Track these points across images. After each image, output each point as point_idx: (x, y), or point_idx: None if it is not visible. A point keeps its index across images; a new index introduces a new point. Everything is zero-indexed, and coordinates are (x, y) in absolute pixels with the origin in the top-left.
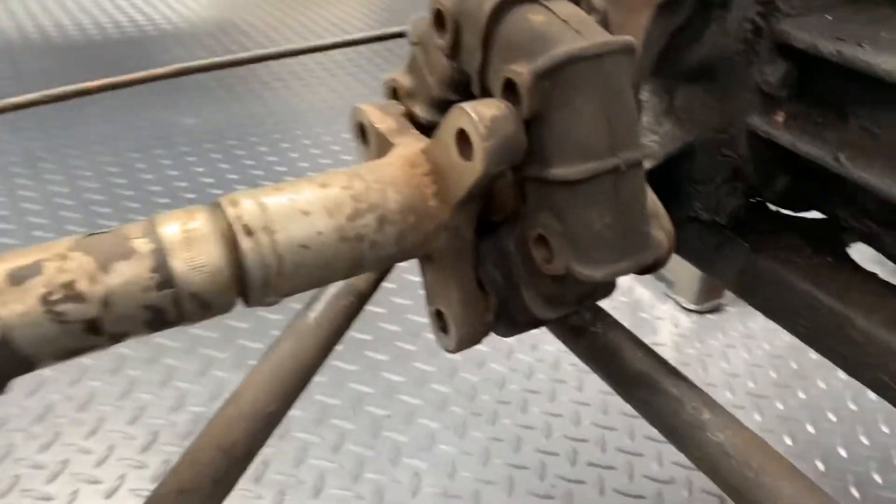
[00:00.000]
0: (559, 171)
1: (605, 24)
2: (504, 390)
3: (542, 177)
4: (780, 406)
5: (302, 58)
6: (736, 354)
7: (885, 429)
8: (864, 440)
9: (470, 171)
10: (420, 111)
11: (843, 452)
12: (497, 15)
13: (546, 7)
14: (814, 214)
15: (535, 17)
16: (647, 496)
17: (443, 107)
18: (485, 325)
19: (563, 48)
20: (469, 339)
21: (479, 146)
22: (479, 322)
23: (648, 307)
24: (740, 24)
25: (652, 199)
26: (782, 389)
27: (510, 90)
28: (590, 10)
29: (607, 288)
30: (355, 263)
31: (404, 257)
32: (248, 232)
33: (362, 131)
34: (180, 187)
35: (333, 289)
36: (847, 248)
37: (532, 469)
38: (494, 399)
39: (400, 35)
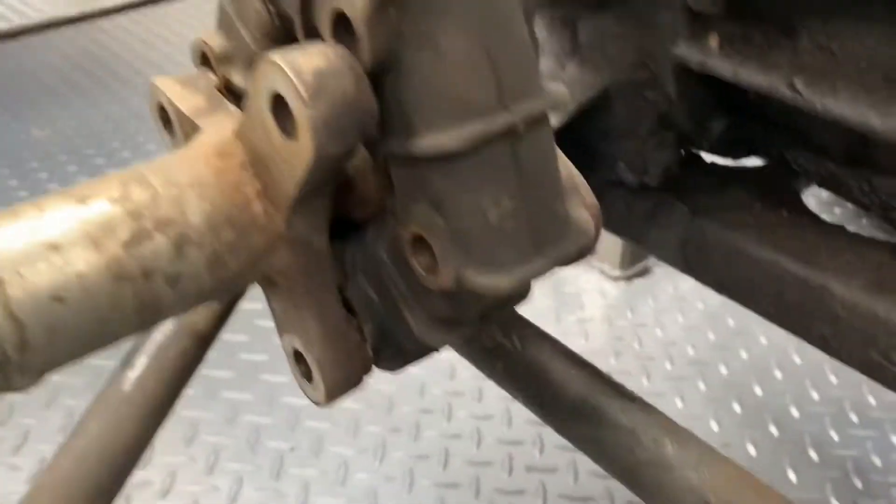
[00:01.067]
0: (428, 142)
1: None
2: (425, 397)
3: (407, 152)
4: (723, 370)
5: (164, 47)
6: (671, 319)
7: (833, 379)
8: (814, 395)
9: (298, 154)
10: (239, 79)
11: (794, 412)
12: None
13: None
14: (754, 161)
15: None
16: (595, 497)
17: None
18: (362, 361)
19: None
20: (342, 385)
21: (302, 116)
22: (354, 359)
23: (572, 280)
24: None
25: (566, 166)
26: (723, 352)
27: (343, 28)
28: None
29: (520, 293)
30: (149, 309)
31: (228, 288)
32: None
33: (164, 115)
34: None
35: (159, 335)
36: (801, 196)
37: (465, 486)
38: (416, 409)
39: None
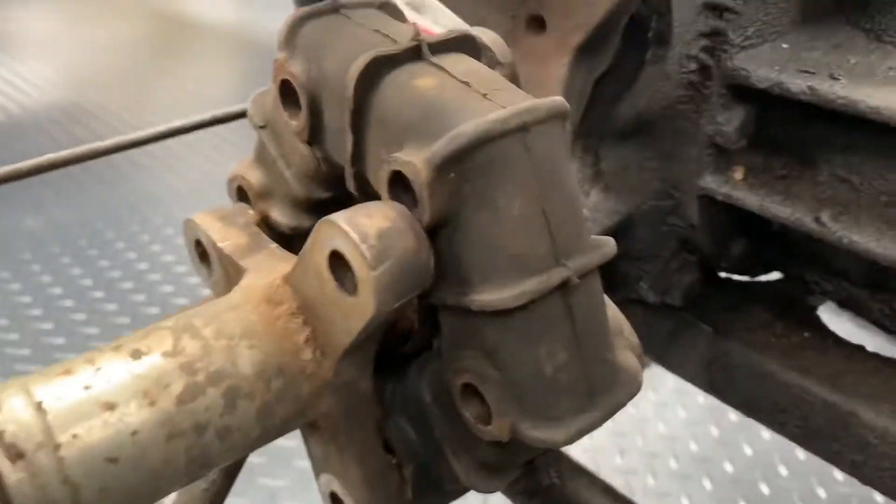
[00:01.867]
0: (486, 298)
1: (514, 79)
2: None
3: (463, 305)
4: (728, 468)
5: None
6: (672, 414)
7: (839, 476)
8: (821, 492)
9: (357, 310)
10: (279, 215)
11: None
12: (368, 82)
13: (435, 65)
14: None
15: (422, 81)
16: None
17: (310, 207)
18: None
19: (471, 124)
20: None
21: (365, 277)
22: (393, 502)
23: None
24: (683, 65)
25: (612, 311)
26: (727, 447)
27: (401, 187)
28: (492, 63)
29: None
30: (198, 464)
31: (274, 436)
32: (17, 454)
33: (202, 251)
34: (22, 304)
35: None
36: (818, 314)
37: None
38: None
39: (241, 115)
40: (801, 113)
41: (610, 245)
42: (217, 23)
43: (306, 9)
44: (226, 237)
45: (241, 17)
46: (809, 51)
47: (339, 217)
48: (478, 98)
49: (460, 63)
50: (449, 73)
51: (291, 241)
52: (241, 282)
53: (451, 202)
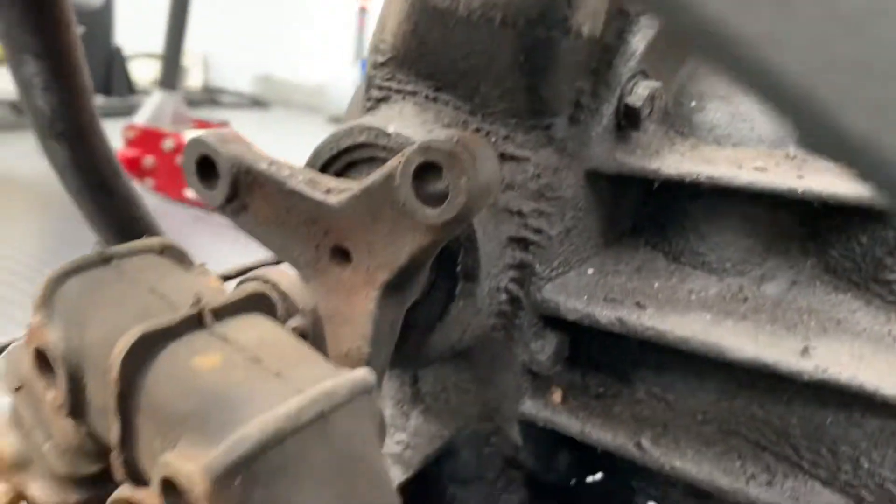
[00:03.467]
0: None
1: (316, 325)
2: None
3: None
4: None
5: None
6: None
7: None
8: None
9: None
10: (38, 491)
11: None
12: (136, 362)
13: (221, 338)
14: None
15: (202, 360)
16: None
17: (76, 483)
18: None
19: (257, 424)
20: None
21: None
22: None
23: None
24: (493, 296)
25: None
26: None
27: (174, 491)
28: (292, 311)
29: None
30: None
31: None
32: None
33: None
34: None
35: None
36: None
37: None
38: None
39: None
40: (613, 337)
41: (405, 457)
42: (17, 174)
43: (68, 263)
44: None
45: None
46: (615, 275)
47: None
48: (268, 380)
49: (251, 329)
50: (235, 347)
51: None
52: None
53: None
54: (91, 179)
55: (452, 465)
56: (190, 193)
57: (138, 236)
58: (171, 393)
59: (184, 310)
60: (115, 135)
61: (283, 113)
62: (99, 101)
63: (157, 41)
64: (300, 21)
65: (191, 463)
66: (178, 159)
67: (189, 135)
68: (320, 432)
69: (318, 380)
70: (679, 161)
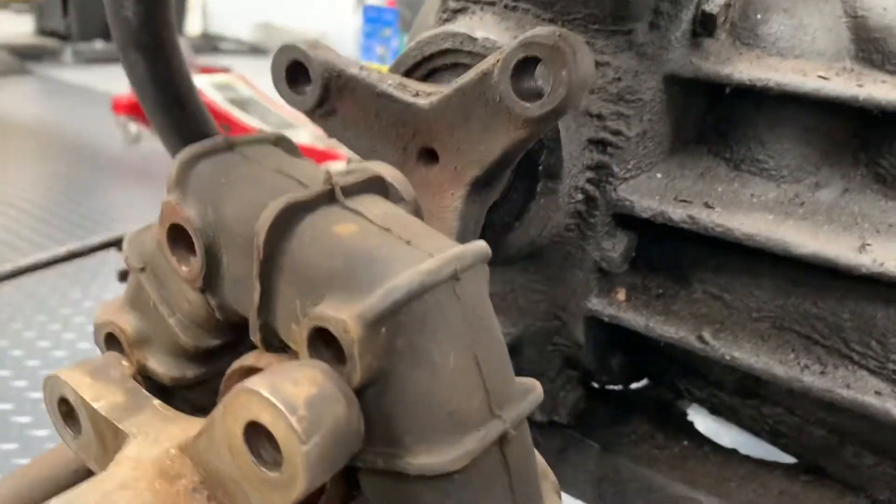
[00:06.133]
0: (424, 461)
1: (418, 216)
2: None
3: (396, 469)
4: None
5: None
6: None
7: None
8: None
9: (281, 486)
10: (158, 365)
11: None
12: (281, 230)
13: (352, 210)
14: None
15: (341, 228)
16: None
17: (196, 356)
18: None
19: (405, 276)
20: None
21: (295, 453)
22: None
23: None
24: (571, 195)
25: (536, 453)
26: None
27: (322, 343)
28: (396, 200)
29: None
30: None
31: None
32: None
33: (67, 410)
34: None
35: None
36: (689, 419)
37: None
38: None
39: (112, 244)
40: (676, 237)
41: (537, 390)
42: (21, 118)
43: (196, 146)
44: (99, 395)
45: (45, 112)
46: (681, 179)
47: (261, 385)
48: (402, 245)
49: (375, 206)
50: (368, 219)
51: (173, 393)
52: (125, 450)
53: (383, 359)
54: (167, 93)
55: (516, 363)
56: None
57: None
58: (316, 255)
59: (316, 187)
60: (122, 79)
61: None
62: (103, 46)
63: None
64: None
65: (343, 312)
66: None
67: (195, 80)
68: (452, 289)
69: (445, 247)
70: (748, 68)
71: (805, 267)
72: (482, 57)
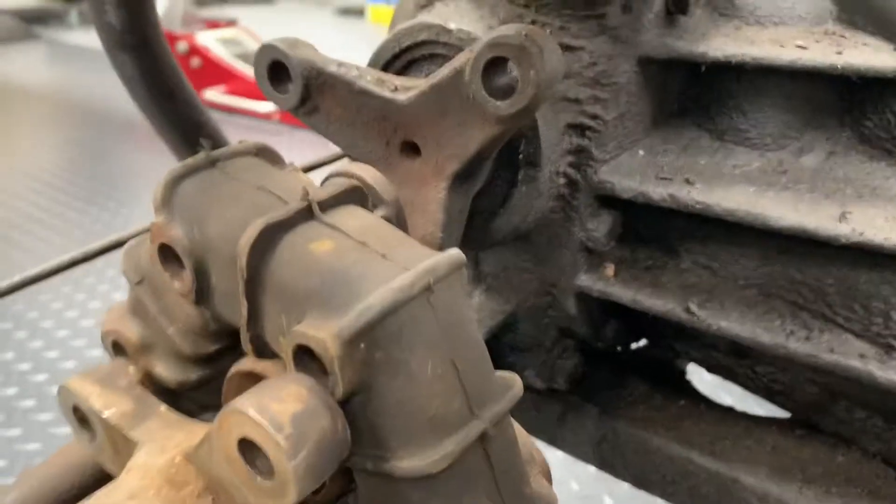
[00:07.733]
0: (408, 464)
1: (399, 216)
2: None
3: (383, 472)
4: None
5: None
6: (565, 488)
7: None
8: None
9: (273, 494)
10: (163, 370)
11: None
12: (261, 250)
13: (330, 226)
14: None
15: (318, 245)
16: None
17: (198, 360)
18: None
19: (378, 295)
20: None
21: (283, 469)
22: None
23: None
24: (553, 180)
25: (521, 438)
26: None
27: (307, 357)
28: (377, 202)
29: None
30: None
31: None
32: None
33: (81, 416)
34: None
35: None
36: (687, 378)
37: None
38: None
39: (118, 246)
40: (661, 213)
41: (517, 386)
42: (31, 85)
43: (179, 167)
44: (109, 404)
45: (55, 76)
46: (664, 155)
47: (247, 404)
48: (377, 260)
49: (352, 218)
50: (344, 233)
51: (179, 396)
52: (135, 458)
53: (363, 372)
54: (158, 88)
55: (513, 336)
56: (206, 96)
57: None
58: (295, 275)
59: (294, 203)
60: None
61: (289, 7)
62: None
63: None
64: None
65: (322, 331)
66: (194, 62)
67: (200, 36)
68: (427, 301)
69: (419, 259)
70: (724, 43)
71: (788, 236)
72: (458, 48)
